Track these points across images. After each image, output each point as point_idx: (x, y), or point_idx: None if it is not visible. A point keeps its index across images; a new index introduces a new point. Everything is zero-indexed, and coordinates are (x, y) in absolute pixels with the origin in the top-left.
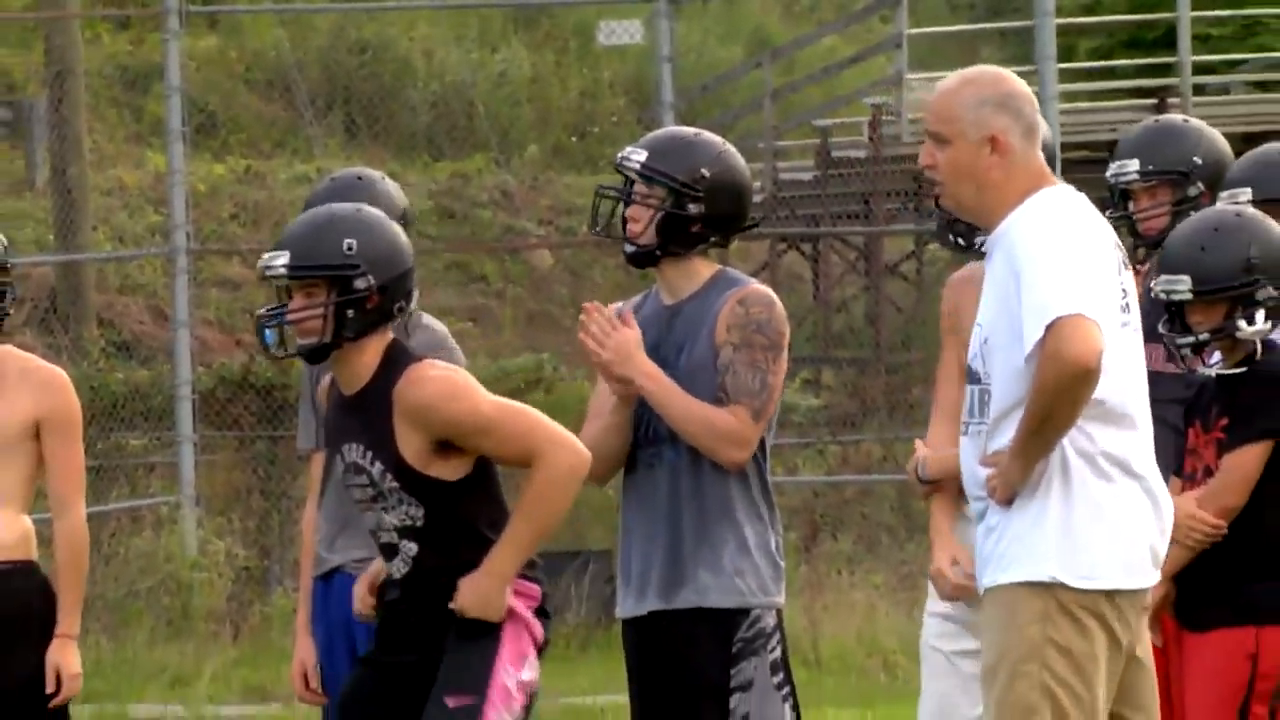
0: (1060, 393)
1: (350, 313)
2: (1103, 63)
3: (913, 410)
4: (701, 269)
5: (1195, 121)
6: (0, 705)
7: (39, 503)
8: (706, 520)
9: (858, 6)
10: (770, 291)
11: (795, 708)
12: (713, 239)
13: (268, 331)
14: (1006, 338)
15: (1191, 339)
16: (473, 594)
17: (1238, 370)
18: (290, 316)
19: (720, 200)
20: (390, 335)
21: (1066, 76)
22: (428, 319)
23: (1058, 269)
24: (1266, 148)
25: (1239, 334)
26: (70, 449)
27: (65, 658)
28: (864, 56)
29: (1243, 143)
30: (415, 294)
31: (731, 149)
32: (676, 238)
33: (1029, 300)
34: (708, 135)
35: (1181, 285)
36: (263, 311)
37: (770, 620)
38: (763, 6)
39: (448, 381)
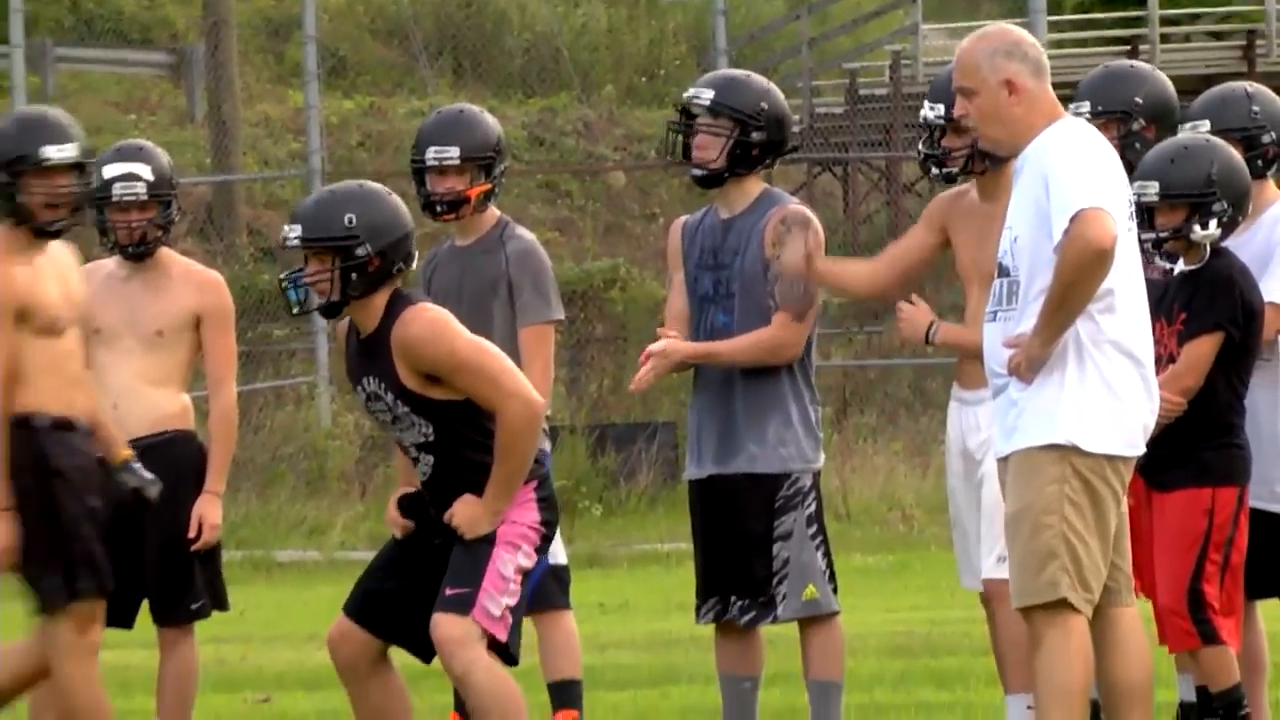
0: (1080, 269)
1: (354, 276)
2: (1085, 15)
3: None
4: (753, 188)
5: (1141, 66)
6: (163, 549)
7: (197, 382)
8: (756, 400)
9: None
10: (807, 209)
11: (827, 554)
12: (766, 162)
13: (290, 292)
14: (1035, 234)
15: (1153, 235)
16: (466, 516)
17: (1193, 268)
18: (305, 280)
19: (774, 129)
20: (396, 285)
21: (1054, 27)
22: (520, 230)
23: (1080, 173)
24: (1222, 87)
25: (1193, 236)
26: (224, 338)
27: (208, 510)
28: (885, 10)
29: (1202, 83)
30: (415, 255)
31: (775, 87)
32: (742, 162)
33: (1056, 199)
34: (756, 76)
35: (1151, 189)
36: (283, 275)
37: (807, 482)
38: None
39: (430, 324)
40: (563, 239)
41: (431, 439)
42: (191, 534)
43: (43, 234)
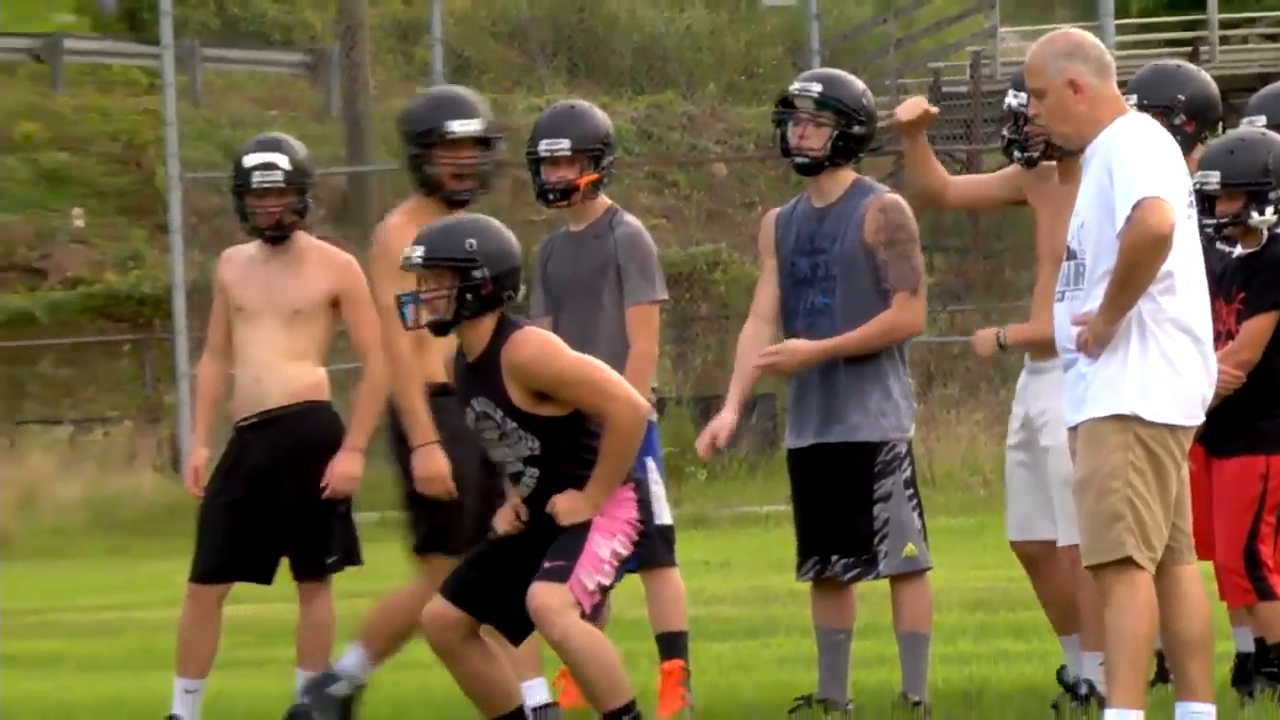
0: (1142, 253)
1: (469, 297)
2: (1149, 19)
3: (1005, 286)
4: (846, 177)
5: (1187, 67)
6: (300, 510)
7: (336, 356)
8: (858, 375)
9: None
10: (900, 198)
11: (921, 515)
12: (858, 155)
13: (406, 309)
14: (1100, 220)
15: (1214, 221)
16: (566, 505)
17: (1251, 251)
18: (423, 296)
19: (870, 124)
20: (501, 311)
21: (1121, 30)
22: (628, 217)
23: (1142, 164)
24: (1276, 85)
25: (1251, 221)
26: (364, 311)
27: (344, 463)
28: (966, 14)
29: (1258, 81)
30: (522, 286)
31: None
32: (842, 153)
33: (1120, 188)
34: (849, 75)
35: (1213, 179)
36: (401, 294)
37: (903, 448)
38: None
39: (541, 346)
40: (669, 225)
41: (537, 453)
42: (324, 482)
43: (451, 203)
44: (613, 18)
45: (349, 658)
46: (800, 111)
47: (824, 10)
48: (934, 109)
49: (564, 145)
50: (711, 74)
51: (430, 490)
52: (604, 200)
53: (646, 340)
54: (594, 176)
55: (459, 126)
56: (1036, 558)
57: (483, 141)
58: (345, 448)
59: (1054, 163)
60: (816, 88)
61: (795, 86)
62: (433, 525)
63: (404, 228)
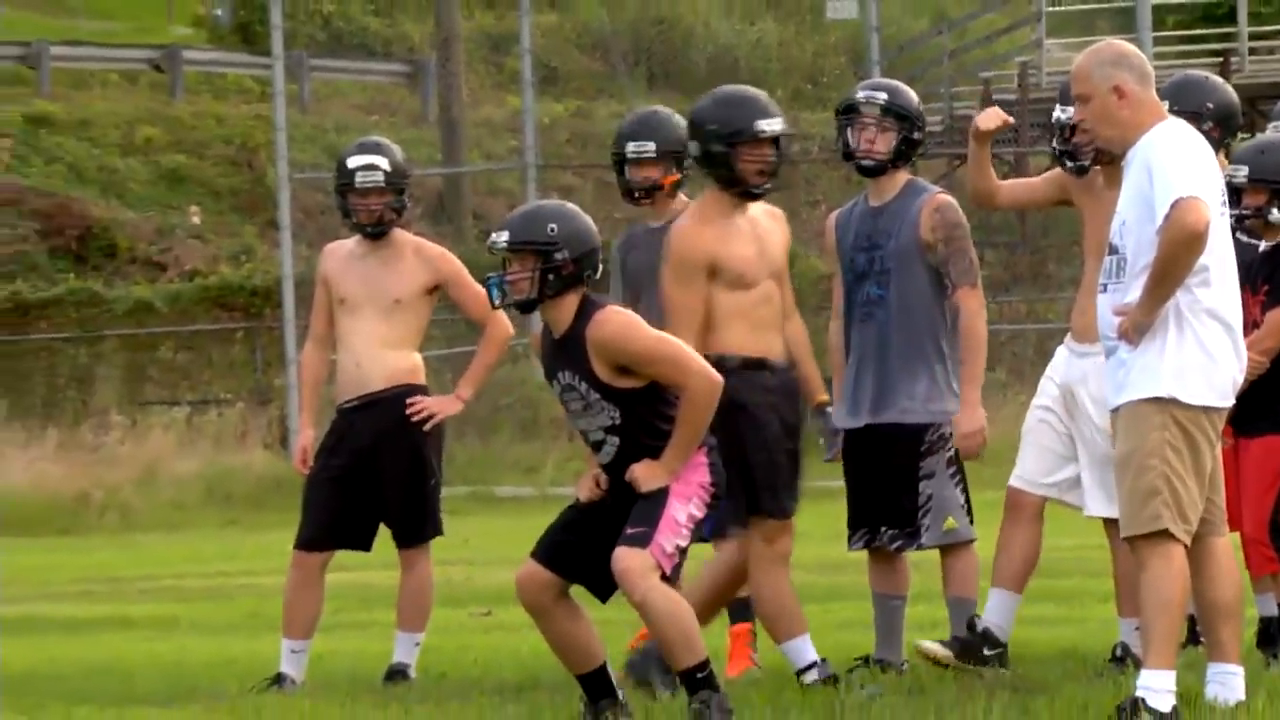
0: (1179, 249)
1: (551, 277)
2: (1184, 31)
3: (1049, 279)
4: (901, 178)
5: (1214, 78)
6: (404, 484)
7: (429, 343)
8: (908, 362)
9: None
10: (952, 198)
11: (965, 490)
12: (912, 158)
13: (493, 289)
14: (1141, 219)
15: (1237, 212)
16: (645, 472)
17: (1276, 244)
18: (508, 278)
19: (924, 130)
20: (583, 291)
21: (1158, 41)
22: None
23: (1180, 167)
24: None
25: (1271, 217)
26: (466, 290)
27: (444, 400)
28: (1014, 27)
29: None
30: (601, 267)
31: None
32: (902, 156)
33: (1159, 189)
34: (906, 85)
35: (1241, 173)
36: (490, 276)
37: (948, 430)
38: None
39: (622, 324)
40: None
41: (618, 422)
42: (414, 409)
43: (749, 196)
44: (689, 30)
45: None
46: (866, 117)
47: (884, 23)
48: (1010, 119)
49: (649, 148)
50: (779, 81)
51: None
52: (682, 199)
53: None
54: (675, 177)
55: (767, 125)
56: (1022, 508)
57: (776, 140)
58: (455, 393)
59: (1099, 167)
60: (883, 96)
61: (862, 94)
62: (756, 490)
63: (694, 230)
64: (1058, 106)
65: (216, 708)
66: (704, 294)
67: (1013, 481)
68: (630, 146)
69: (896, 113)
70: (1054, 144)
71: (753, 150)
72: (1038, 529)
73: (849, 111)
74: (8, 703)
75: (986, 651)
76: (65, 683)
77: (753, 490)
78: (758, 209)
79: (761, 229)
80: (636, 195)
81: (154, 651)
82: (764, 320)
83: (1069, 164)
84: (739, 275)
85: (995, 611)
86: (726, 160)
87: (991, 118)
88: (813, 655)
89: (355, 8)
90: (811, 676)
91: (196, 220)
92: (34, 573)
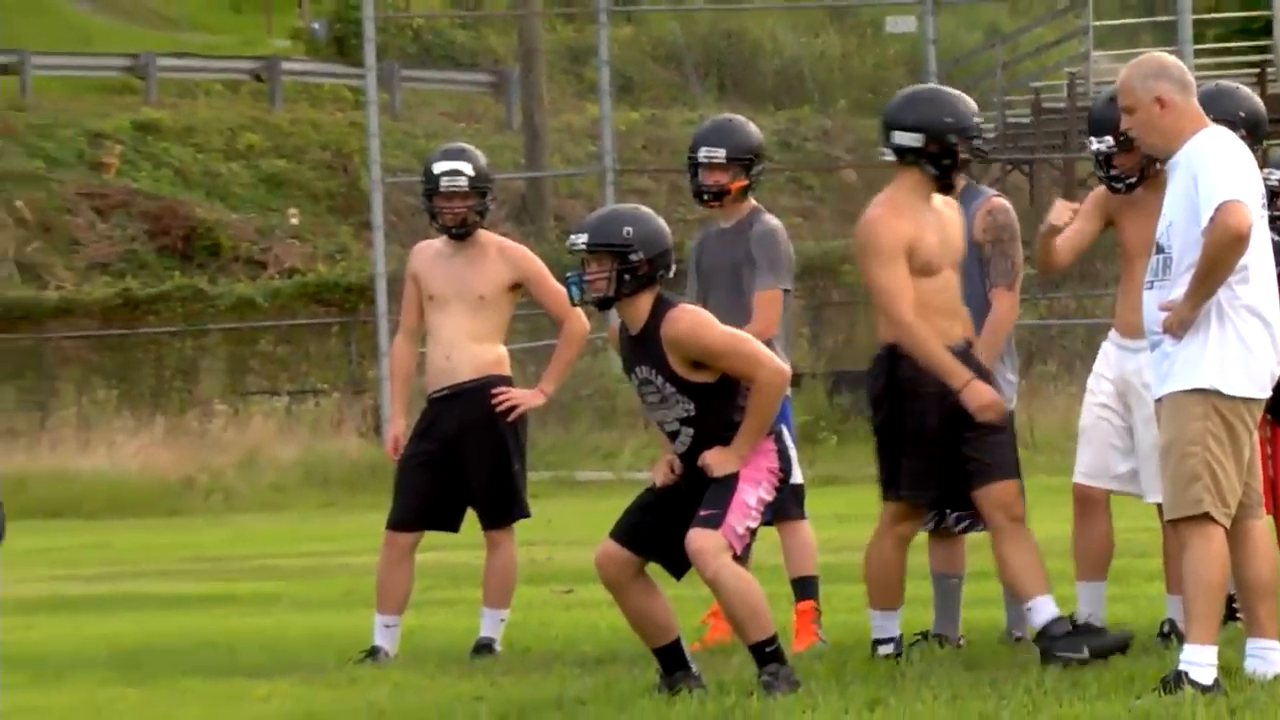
0: (1222, 249)
1: (627, 277)
2: (1223, 44)
3: (1096, 277)
4: (959, 183)
5: (1243, 88)
6: (491, 468)
7: (514, 336)
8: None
9: (1059, 6)
10: (1006, 202)
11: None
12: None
13: (572, 288)
14: (1186, 221)
15: (1273, 213)
16: (716, 458)
17: None
18: (587, 277)
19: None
20: (658, 289)
21: (1198, 54)
22: (768, 216)
23: (1223, 171)
24: None
25: None
26: (547, 286)
27: (528, 394)
28: (1063, 40)
29: None
30: (674, 266)
31: None
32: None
33: (1204, 192)
34: (964, 95)
35: (1275, 176)
36: (570, 275)
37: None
38: (995, 7)
39: (694, 322)
40: (805, 223)
41: (692, 414)
42: (500, 398)
43: (948, 188)
44: (757, 43)
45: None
46: None
47: (940, 37)
48: (1076, 206)
49: (720, 154)
50: (842, 91)
51: (986, 417)
52: (750, 202)
53: (761, 322)
54: (744, 182)
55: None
56: (1092, 502)
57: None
58: (539, 386)
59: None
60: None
61: None
62: (898, 471)
63: (887, 218)
64: (1091, 140)
65: (314, 679)
66: (907, 274)
67: (1077, 479)
68: (702, 152)
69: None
70: (1097, 174)
71: (965, 145)
72: (1108, 519)
73: None
74: (119, 674)
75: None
76: (172, 655)
77: (897, 471)
78: (937, 199)
79: (944, 218)
80: (707, 198)
81: (256, 626)
82: (943, 306)
83: (1119, 187)
84: (926, 262)
85: (1087, 602)
86: (954, 153)
87: (1062, 212)
88: (894, 632)
89: (444, 22)
90: (886, 650)
91: (295, 221)
92: (143, 551)
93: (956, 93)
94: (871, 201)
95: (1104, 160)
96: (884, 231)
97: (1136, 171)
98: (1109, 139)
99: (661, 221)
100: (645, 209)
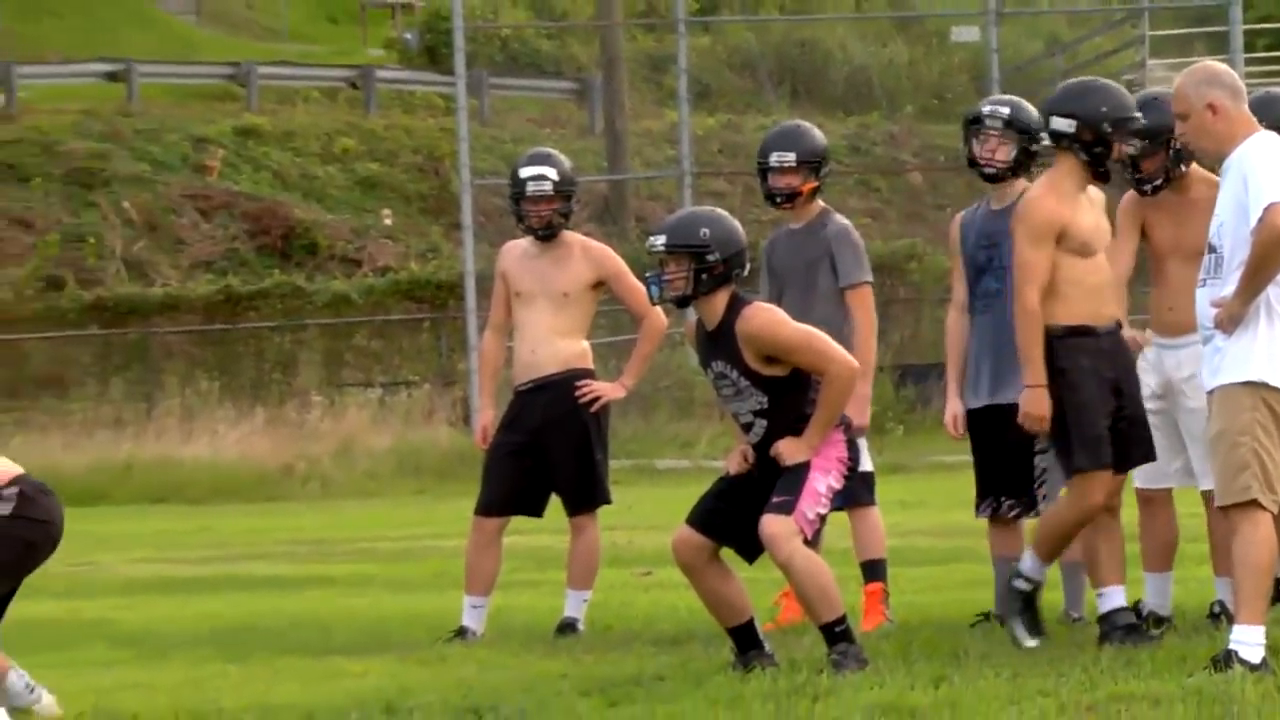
0: (1270, 248)
1: (704, 276)
2: (1273, 53)
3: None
4: (1020, 184)
5: None
6: (574, 455)
7: (596, 331)
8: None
9: (1116, 17)
10: None
11: None
12: (1032, 167)
13: (652, 287)
14: (1236, 221)
15: None
16: (788, 448)
17: None
18: (666, 277)
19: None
20: (733, 288)
21: (1249, 62)
22: (838, 216)
23: (1272, 174)
24: None
25: None
26: (629, 285)
27: (609, 386)
28: (1120, 50)
29: None
30: (748, 265)
31: None
32: (1021, 165)
33: (1254, 194)
34: (1027, 102)
35: None
36: (649, 274)
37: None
38: (1055, 18)
39: (767, 319)
40: (873, 224)
41: (765, 407)
42: (584, 390)
43: (1102, 177)
44: (828, 52)
45: (1026, 561)
46: (989, 129)
47: (1002, 46)
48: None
49: (790, 158)
50: (909, 98)
51: (1026, 424)
52: (819, 203)
53: (865, 313)
54: (814, 184)
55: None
56: (1154, 502)
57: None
58: (619, 380)
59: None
60: (1005, 111)
61: (986, 108)
62: (1071, 448)
63: (1044, 199)
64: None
65: (407, 657)
66: (1051, 256)
67: (1138, 484)
68: (773, 157)
69: (1017, 126)
70: (1126, 175)
71: (1120, 135)
72: (1171, 514)
73: (974, 124)
74: (220, 652)
75: (1154, 631)
76: (271, 634)
77: (1068, 449)
78: (1094, 190)
79: (1098, 206)
80: (779, 200)
81: (351, 607)
82: (1095, 288)
83: (1146, 188)
84: (1083, 243)
85: (1154, 594)
86: (1107, 142)
87: (1138, 342)
88: (1120, 602)
89: (530, 32)
90: (1129, 618)
91: (388, 221)
92: (244, 535)
93: (1116, 86)
94: (1035, 182)
95: (1131, 163)
96: (1038, 212)
97: (1161, 174)
98: (1136, 142)
99: (736, 223)
100: (721, 211)
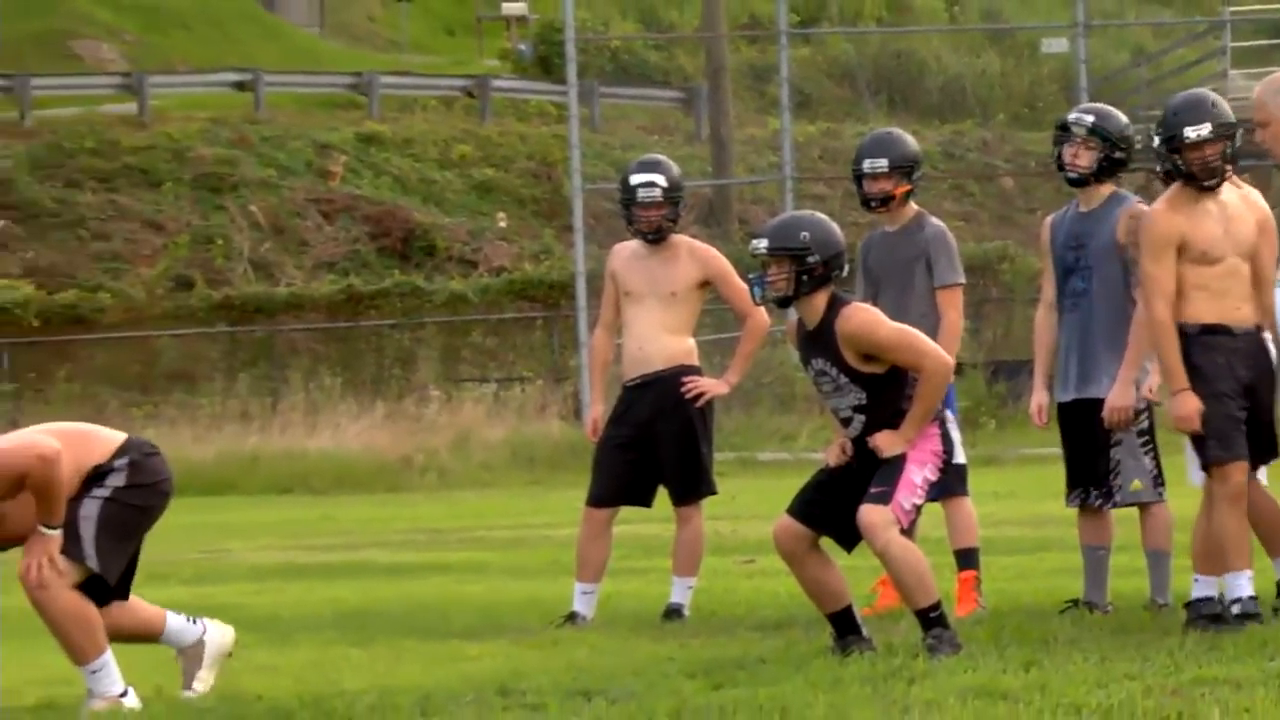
0: None
1: (804, 278)
2: None
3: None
4: (1106, 190)
5: None
6: (680, 449)
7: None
8: (1109, 344)
9: (1199, 29)
10: (1146, 206)
11: (1156, 457)
12: (1117, 174)
13: (755, 288)
14: None
15: None
16: (885, 440)
17: None
18: (768, 278)
19: (1129, 149)
20: (832, 288)
21: None
22: (934, 219)
23: None
24: None
25: None
26: (733, 285)
27: (715, 382)
28: (1203, 60)
29: None
30: (847, 266)
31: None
32: (1106, 171)
33: None
34: (1115, 110)
35: None
36: (751, 275)
37: (1141, 404)
38: (1139, 30)
39: (865, 319)
40: (966, 226)
41: (864, 403)
42: (689, 386)
43: (1201, 188)
44: (923, 62)
45: (1201, 589)
46: (1075, 136)
47: (1090, 56)
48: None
49: (883, 164)
50: (1001, 106)
51: (1181, 426)
52: (913, 206)
53: (955, 313)
54: (907, 188)
55: (1192, 133)
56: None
57: (1215, 140)
58: (723, 377)
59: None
60: (1090, 119)
61: (1072, 116)
62: (1205, 441)
63: (1161, 214)
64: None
65: (521, 641)
66: (1173, 268)
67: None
68: (866, 164)
69: (1101, 134)
70: (1158, 167)
71: (1190, 152)
72: (1272, 499)
73: (1062, 130)
74: (343, 635)
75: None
76: (392, 618)
77: (1202, 442)
78: (1232, 194)
79: (1231, 211)
80: (874, 205)
81: (467, 592)
82: (1227, 290)
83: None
84: (1203, 252)
85: None
86: (1173, 160)
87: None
88: (1247, 591)
89: (639, 43)
90: (1236, 610)
91: (503, 224)
92: (365, 524)
93: (1214, 98)
94: (1159, 197)
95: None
96: (1155, 226)
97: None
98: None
99: (834, 225)
100: (820, 215)
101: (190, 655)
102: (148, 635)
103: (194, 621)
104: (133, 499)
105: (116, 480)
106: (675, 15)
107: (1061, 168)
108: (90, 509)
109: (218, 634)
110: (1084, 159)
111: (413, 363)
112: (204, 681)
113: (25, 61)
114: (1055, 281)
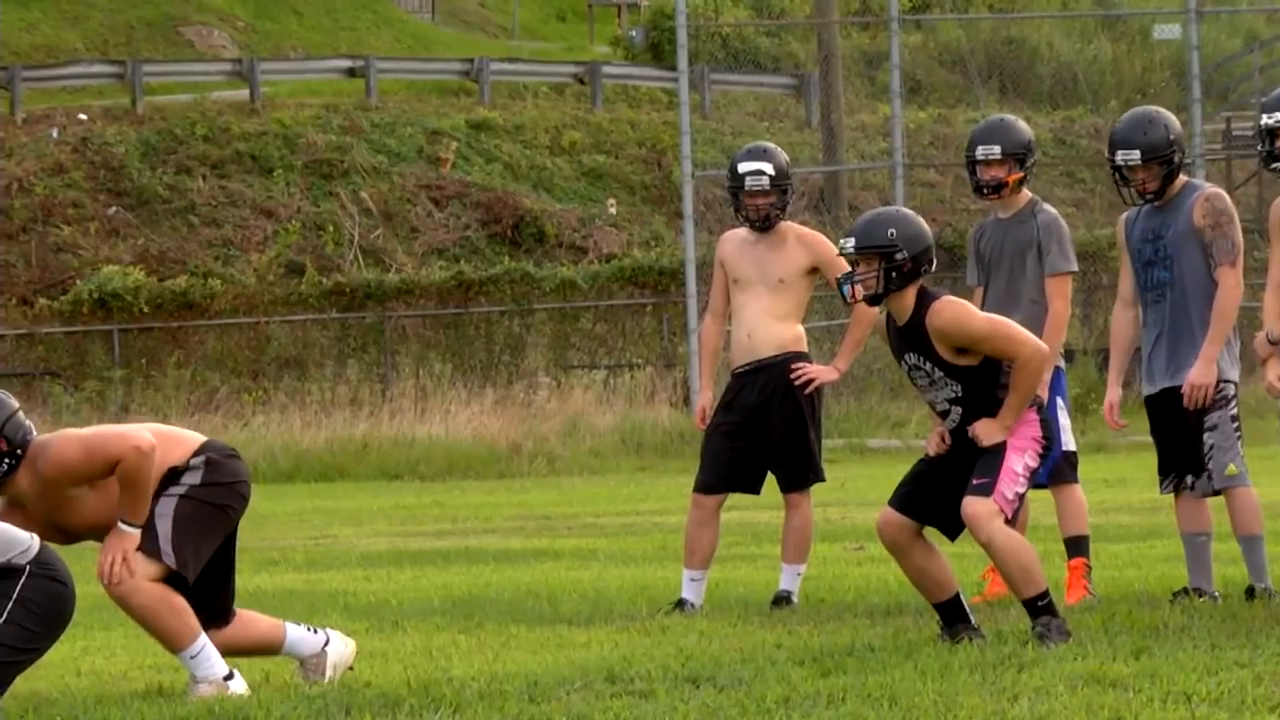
0: None
1: (893, 274)
2: None
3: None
4: (1180, 182)
5: None
6: (788, 436)
7: (811, 316)
8: (1194, 330)
9: None
10: (1220, 189)
11: (1241, 442)
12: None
13: (843, 287)
14: None
15: None
16: (984, 429)
17: None
18: (857, 277)
19: (1181, 150)
20: (921, 283)
21: None
22: (1046, 206)
23: None
24: None
25: None
26: (840, 269)
27: (824, 369)
28: None
29: None
30: (935, 261)
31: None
32: (1171, 177)
33: None
34: (1162, 118)
35: None
36: (841, 275)
37: (1230, 391)
38: (1253, 17)
39: (956, 313)
40: (1078, 213)
41: (960, 395)
42: (800, 372)
43: None
44: (1034, 49)
45: None
46: (1126, 171)
47: (1203, 42)
48: None
49: (996, 150)
50: (1113, 93)
51: (1273, 392)
52: (1026, 193)
53: (1062, 302)
54: (1019, 175)
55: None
56: None
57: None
58: (832, 363)
59: None
60: (1135, 155)
61: (1118, 156)
62: None
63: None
64: (1263, 114)
65: (629, 627)
66: None
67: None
68: (979, 150)
69: (1149, 156)
70: (1259, 148)
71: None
72: None
73: (1115, 171)
74: (451, 622)
75: None
76: (501, 605)
77: None
78: None
79: None
80: (986, 192)
81: (576, 579)
82: None
83: (1276, 164)
84: None
85: None
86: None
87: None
88: None
89: (750, 29)
90: None
91: (613, 211)
92: (476, 510)
93: None
94: None
95: (1269, 137)
96: (1273, 213)
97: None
98: (1278, 115)
99: (921, 221)
100: (906, 210)
101: (312, 666)
102: (268, 648)
103: (315, 632)
104: (209, 497)
105: (192, 479)
106: (787, 2)
107: (1144, 198)
108: (166, 506)
109: (340, 645)
110: (1151, 185)
111: (522, 349)
112: None
113: (137, 48)
114: (1135, 276)
